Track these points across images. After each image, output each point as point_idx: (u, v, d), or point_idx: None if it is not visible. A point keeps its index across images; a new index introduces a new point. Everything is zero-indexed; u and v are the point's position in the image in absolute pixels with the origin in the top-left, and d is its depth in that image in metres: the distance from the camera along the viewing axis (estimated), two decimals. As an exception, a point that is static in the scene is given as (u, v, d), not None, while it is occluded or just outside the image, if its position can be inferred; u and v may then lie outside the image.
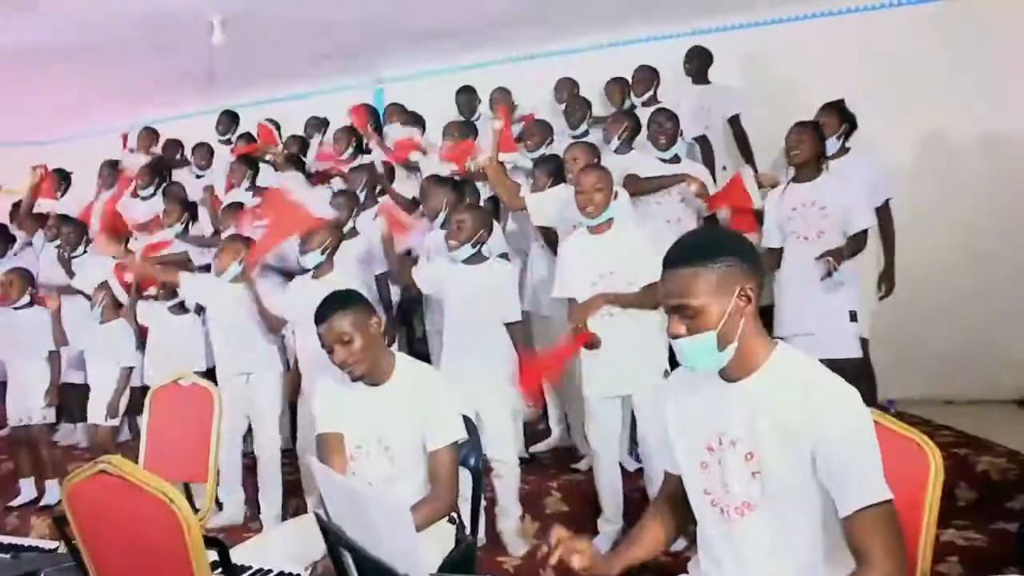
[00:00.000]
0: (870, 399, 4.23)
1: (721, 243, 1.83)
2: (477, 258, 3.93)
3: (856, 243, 3.95)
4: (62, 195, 6.64)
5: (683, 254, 1.79)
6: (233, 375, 4.30)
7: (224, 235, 4.93)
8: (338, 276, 4.13)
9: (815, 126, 4.13)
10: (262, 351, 4.36)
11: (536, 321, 4.68)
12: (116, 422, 4.80)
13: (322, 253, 4.13)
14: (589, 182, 3.66)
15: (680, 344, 1.79)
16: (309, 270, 4.20)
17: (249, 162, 5.99)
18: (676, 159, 4.67)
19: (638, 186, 4.49)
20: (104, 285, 4.89)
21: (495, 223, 4.48)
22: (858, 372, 3.87)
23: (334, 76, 7.42)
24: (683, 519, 2.00)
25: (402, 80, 7.42)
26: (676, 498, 2.00)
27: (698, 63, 5.78)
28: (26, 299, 5.03)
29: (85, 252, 5.80)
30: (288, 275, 4.50)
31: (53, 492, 4.98)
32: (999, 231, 5.38)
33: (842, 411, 1.70)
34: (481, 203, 4.97)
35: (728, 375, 1.82)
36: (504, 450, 3.86)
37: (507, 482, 3.90)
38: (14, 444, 5.14)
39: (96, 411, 4.82)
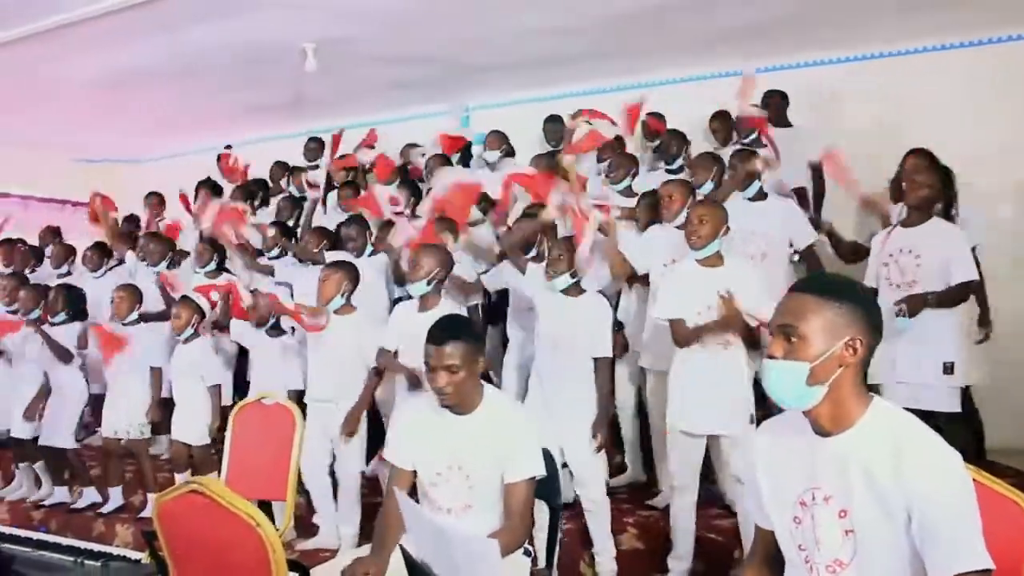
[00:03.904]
0: (976, 449, 4.07)
1: (850, 290, 1.83)
2: (575, 289, 3.90)
3: (954, 294, 3.74)
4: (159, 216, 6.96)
5: (811, 283, 1.85)
6: (320, 401, 4.30)
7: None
8: (447, 310, 3.95)
9: (938, 166, 3.91)
10: (350, 380, 4.32)
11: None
12: (208, 441, 4.89)
13: (428, 284, 4.01)
14: (695, 215, 3.68)
15: (771, 366, 1.77)
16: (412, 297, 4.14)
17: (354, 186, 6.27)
18: (762, 195, 4.55)
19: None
20: (183, 301, 5.00)
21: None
22: (956, 424, 3.72)
23: (422, 103, 7.56)
24: None
25: (489, 107, 7.51)
26: (771, 558, 1.95)
27: (776, 106, 5.66)
28: (134, 316, 5.20)
29: (168, 269, 6.01)
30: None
31: (116, 499, 5.25)
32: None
33: (940, 472, 1.65)
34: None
35: (822, 430, 1.78)
36: (593, 487, 3.84)
37: (598, 519, 3.87)
38: (106, 453, 5.31)
39: (181, 428, 4.94)
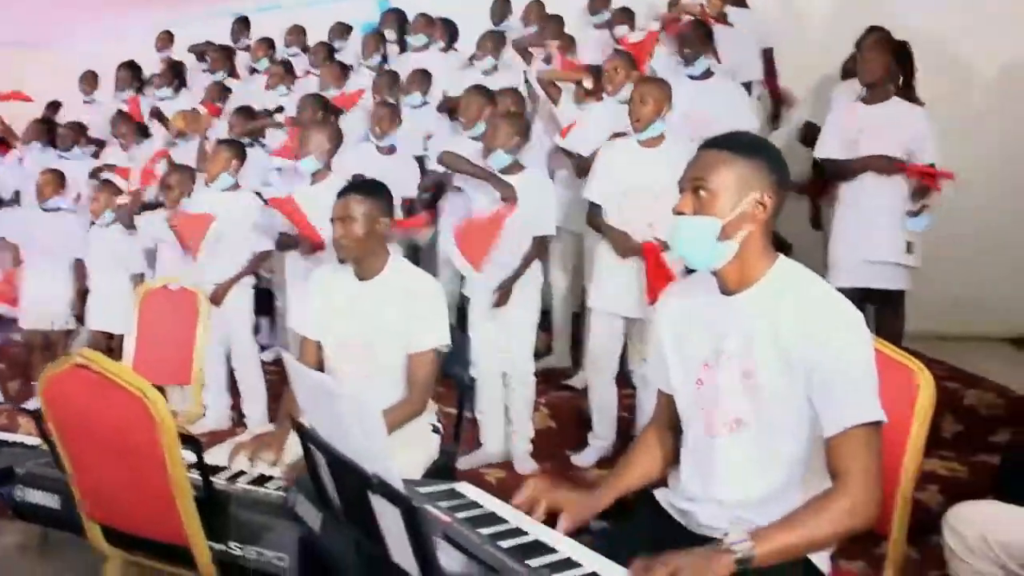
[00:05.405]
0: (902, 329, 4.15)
1: (759, 145, 1.82)
2: (514, 168, 3.78)
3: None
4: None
5: (720, 140, 1.77)
6: (206, 283, 4.15)
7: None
8: (337, 180, 3.97)
9: (892, 43, 3.91)
10: (234, 261, 4.29)
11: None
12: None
13: (318, 160, 4.02)
14: (637, 93, 3.59)
15: (681, 222, 1.75)
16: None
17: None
18: (708, 74, 4.42)
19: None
20: (104, 187, 4.78)
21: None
22: (902, 303, 3.94)
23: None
24: (678, 444, 1.94)
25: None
26: (671, 422, 1.96)
27: None
28: (57, 202, 4.95)
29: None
30: None
31: None
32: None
33: (841, 329, 1.65)
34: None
35: (726, 288, 1.77)
36: (521, 363, 3.83)
37: (522, 396, 3.86)
38: (28, 347, 5.12)
39: (100, 317, 4.79)
